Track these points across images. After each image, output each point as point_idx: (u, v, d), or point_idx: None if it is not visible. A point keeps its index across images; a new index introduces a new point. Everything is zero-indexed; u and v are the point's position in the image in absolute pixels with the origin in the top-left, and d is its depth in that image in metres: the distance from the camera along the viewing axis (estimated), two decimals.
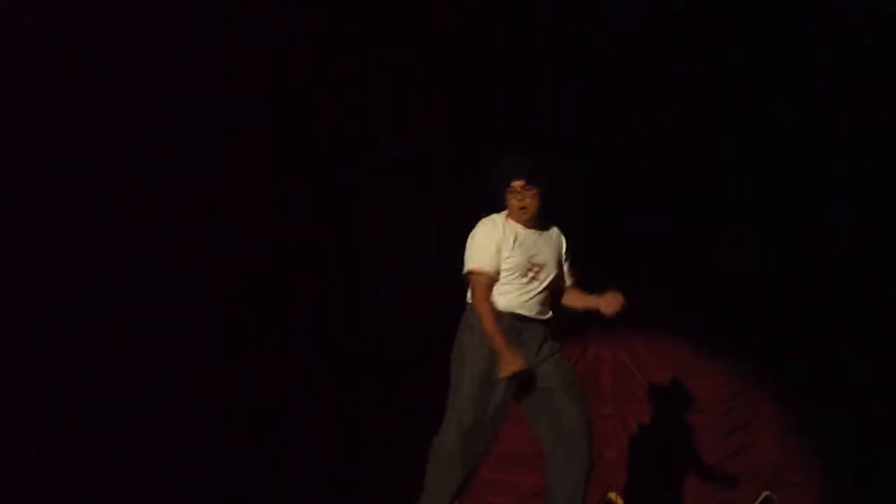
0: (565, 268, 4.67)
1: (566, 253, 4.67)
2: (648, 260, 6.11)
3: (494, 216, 4.55)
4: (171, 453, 5.53)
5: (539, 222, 4.55)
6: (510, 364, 4.31)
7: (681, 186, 6.07)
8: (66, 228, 5.46)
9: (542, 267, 4.51)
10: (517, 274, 4.46)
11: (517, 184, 4.44)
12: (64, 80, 5.48)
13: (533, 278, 4.48)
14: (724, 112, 5.99)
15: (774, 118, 5.97)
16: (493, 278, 4.44)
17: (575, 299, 4.71)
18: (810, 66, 5.87)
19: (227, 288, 5.80)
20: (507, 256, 4.45)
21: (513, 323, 4.45)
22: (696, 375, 6.20)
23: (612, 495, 6.07)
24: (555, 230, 4.65)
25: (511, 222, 4.52)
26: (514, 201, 4.46)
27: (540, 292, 4.51)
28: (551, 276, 4.55)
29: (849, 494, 5.94)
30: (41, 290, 5.41)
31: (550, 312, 4.60)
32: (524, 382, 4.45)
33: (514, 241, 4.47)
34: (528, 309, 4.49)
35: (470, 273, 4.46)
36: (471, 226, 4.56)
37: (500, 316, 4.42)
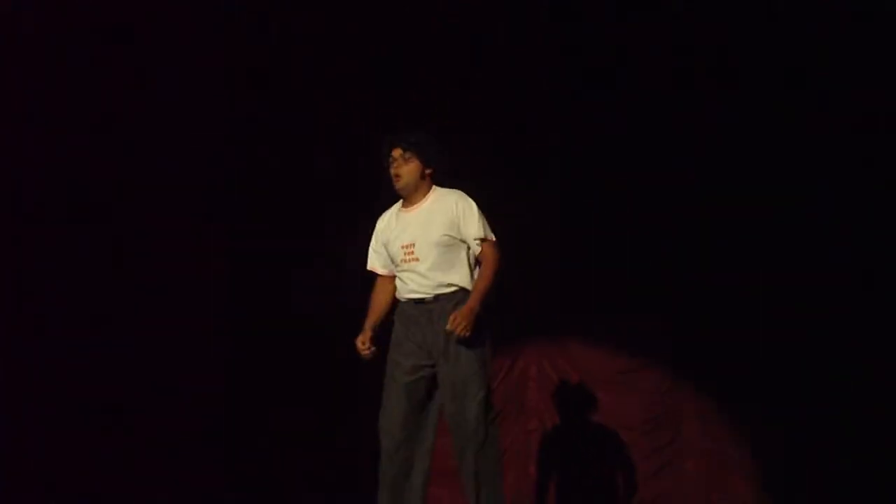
0: (463, 234, 4.36)
1: (460, 218, 4.35)
2: (579, 277, 6.13)
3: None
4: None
5: (421, 197, 4.41)
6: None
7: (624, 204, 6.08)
8: (61, 229, 5.45)
9: (415, 244, 4.33)
10: (398, 260, 4.38)
11: (396, 151, 4.36)
12: (61, 80, 5.48)
13: (412, 259, 4.33)
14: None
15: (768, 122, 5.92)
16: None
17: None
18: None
19: (225, 291, 5.85)
20: (383, 249, 4.43)
21: (414, 308, 4.34)
22: (621, 393, 6.18)
23: None
24: (445, 199, 4.39)
25: (400, 207, 4.47)
26: (391, 171, 4.38)
27: (424, 270, 4.31)
28: (434, 250, 4.31)
29: None
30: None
31: (458, 284, 4.33)
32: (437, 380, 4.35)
33: (386, 231, 4.45)
34: (418, 290, 4.33)
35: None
36: None
37: (405, 304, 4.36)
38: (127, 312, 5.53)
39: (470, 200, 4.39)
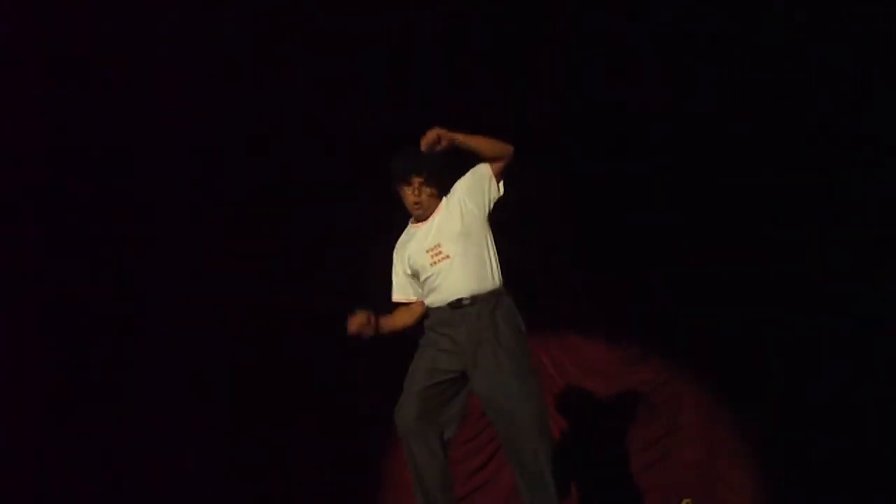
0: (475, 177, 4.33)
1: (463, 185, 4.33)
2: (578, 268, 6.15)
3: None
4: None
5: (433, 211, 4.37)
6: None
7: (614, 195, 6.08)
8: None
9: (441, 244, 4.26)
10: (427, 266, 4.28)
11: (416, 180, 4.30)
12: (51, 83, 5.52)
13: (441, 259, 4.25)
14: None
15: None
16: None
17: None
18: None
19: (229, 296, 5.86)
20: (409, 269, 4.36)
21: (449, 314, 4.24)
22: (617, 384, 6.18)
23: None
24: (450, 198, 4.36)
25: (411, 225, 4.44)
26: (409, 196, 4.34)
27: (457, 267, 4.23)
28: (460, 244, 4.25)
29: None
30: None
31: (494, 282, 4.27)
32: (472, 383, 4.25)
33: (406, 250, 4.37)
34: (454, 291, 4.23)
35: None
36: None
37: (439, 311, 4.25)
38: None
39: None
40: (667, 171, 6.01)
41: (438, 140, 4.12)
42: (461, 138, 4.18)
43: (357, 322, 4.24)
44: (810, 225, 5.86)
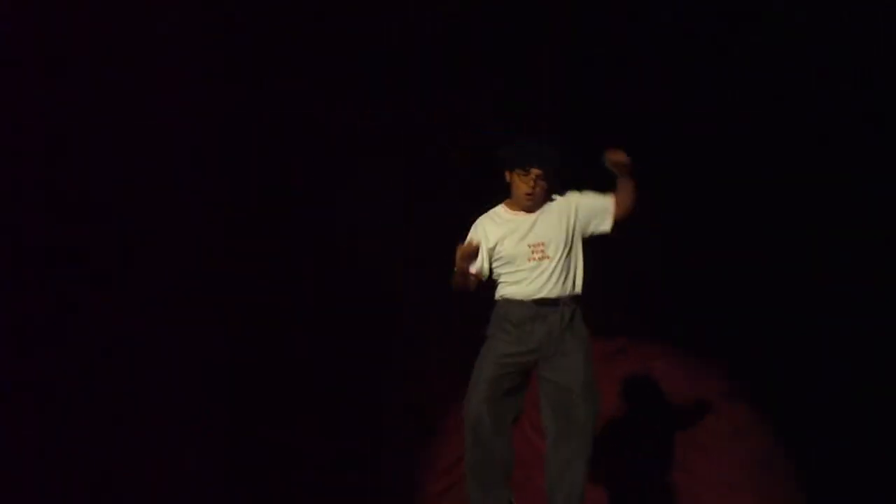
0: (596, 205, 4.60)
1: (581, 203, 4.59)
2: None
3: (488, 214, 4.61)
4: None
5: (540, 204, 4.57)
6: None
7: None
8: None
9: (546, 244, 4.48)
10: (521, 259, 4.46)
11: (534, 171, 4.47)
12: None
13: (542, 258, 4.47)
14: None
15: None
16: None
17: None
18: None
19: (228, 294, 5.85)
20: (497, 249, 4.48)
21: (531, 309, 4.44)
22: (613, 379, 6.07)
23: None
24: (555, 200, 4.60)
25: (507, 210, 4.56)
26: (522, 186, 4.49)
27: (554, 270, 4.47)
28: (562, 249, 4.49)
29: None
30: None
31: (575, 289, 4.55)
32: (542, 372, 4.50)
33: (495, 233, 4.50)
34: (544, 290, 4.46)
35: None
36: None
37: (520, 305, 4.44)
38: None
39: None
40: (667, 171, 6.00)
41: (622, 165, 4.46)
42: (628, 178, 4.53)
43: (467, 249, 4.37)
44: (810, 225, 5.84)
